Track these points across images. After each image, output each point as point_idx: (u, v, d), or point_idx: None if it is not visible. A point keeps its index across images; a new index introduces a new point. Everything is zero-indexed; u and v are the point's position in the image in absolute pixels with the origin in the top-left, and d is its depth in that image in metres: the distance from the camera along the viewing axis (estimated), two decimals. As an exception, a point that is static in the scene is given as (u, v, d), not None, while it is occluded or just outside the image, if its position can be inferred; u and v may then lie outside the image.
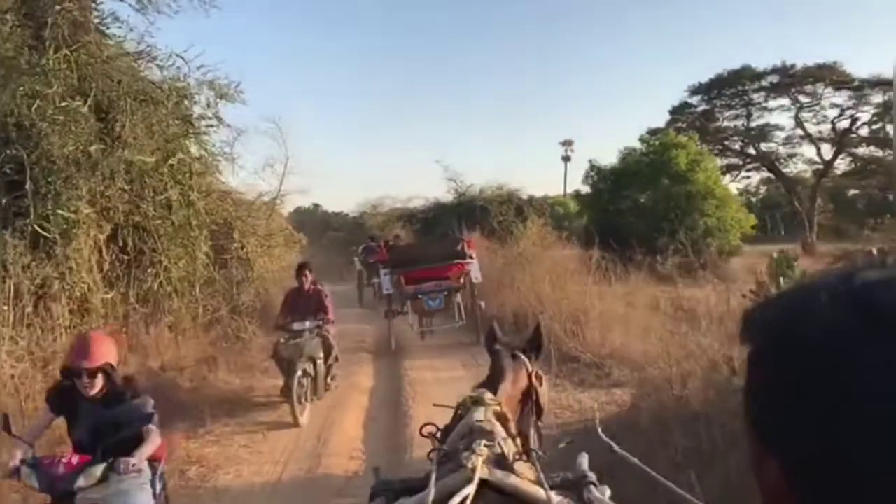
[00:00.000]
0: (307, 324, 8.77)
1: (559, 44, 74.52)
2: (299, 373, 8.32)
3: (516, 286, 14.16)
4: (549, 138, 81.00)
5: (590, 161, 23.41)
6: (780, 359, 0.67)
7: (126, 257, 8.42)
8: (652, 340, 10.55)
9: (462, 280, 12.73)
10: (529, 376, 3.06)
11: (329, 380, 9.31)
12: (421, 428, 2.96)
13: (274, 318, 9.63)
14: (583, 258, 15.67)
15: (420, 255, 13.27)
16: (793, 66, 30.85)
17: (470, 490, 2.12)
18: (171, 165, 8.67)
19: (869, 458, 0.59)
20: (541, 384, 3.13)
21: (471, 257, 12.86)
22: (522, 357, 3.11)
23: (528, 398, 3.02)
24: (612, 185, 22.85)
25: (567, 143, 46.06)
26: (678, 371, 7.18)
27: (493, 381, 2.97)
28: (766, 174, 35.94)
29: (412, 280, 12.45)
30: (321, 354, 8.85)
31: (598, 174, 23.18)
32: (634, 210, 22.19)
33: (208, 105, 9.55)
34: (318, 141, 62.76)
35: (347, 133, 75.42)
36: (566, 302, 12.50)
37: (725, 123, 33.06)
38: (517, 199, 23.71)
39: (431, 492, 2.19)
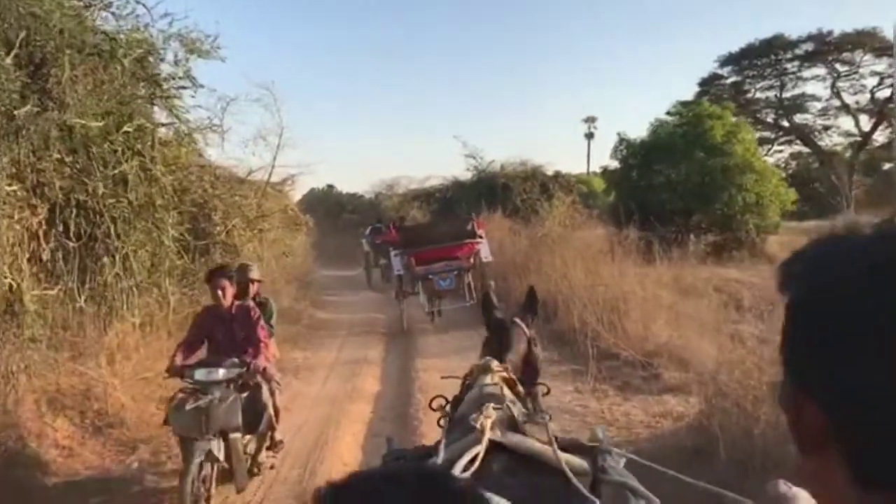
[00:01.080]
0: (221, 372, 5.36)
1: (581, 17, 71.61)
2: (199, 457, 5.08)
3: (544, 271, 12.43)
4: (570, 115, 77.92)
5: (618, 134, 21.48)
6: (819, 296, 0.68)
7: (72, 244, 6.75)
8: (713, 336, 8.82)
9: (472, 260, 12.46)
10: (528, 341, 3.11)
11: (265, 455, 6.00)
12: (430, 400, 2.89)
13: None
14: (616, 239, 13.93)
15: (430, 235, 12.92)
16: (829, 32, 28.60)
17: (479, 449, 2.04)
18: (127, 133, 6.96)
19: None
20: (535, 346, 3.17)
21: (480, 237, 12.63)
22: (520, 323, 3.17)
23: (527, 363, 3.03)
24: (642, 159, 20.95)
25: (590, 120, 43.90)
26: (763, 383, 5.43)
27: (501, 349, 2.97)
28: (796, 148, 33.85)
29: (423, 261, 12.18)
30: (238, 422, 5.36)
31: (627, 148, 21.27)
32: (667, 186, 20.31)
33: (176, 62, 7.84)
34: (333, 121, 60.90)
35: (362, 112, 72.85)
36: (602, 288, 10.76)
37: (758, 95, 30.93)
38: (542, 176, 21.66)
39: (441, 454, 2.12)
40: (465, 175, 23.21)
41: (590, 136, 43.30)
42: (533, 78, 75.18)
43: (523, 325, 3.15)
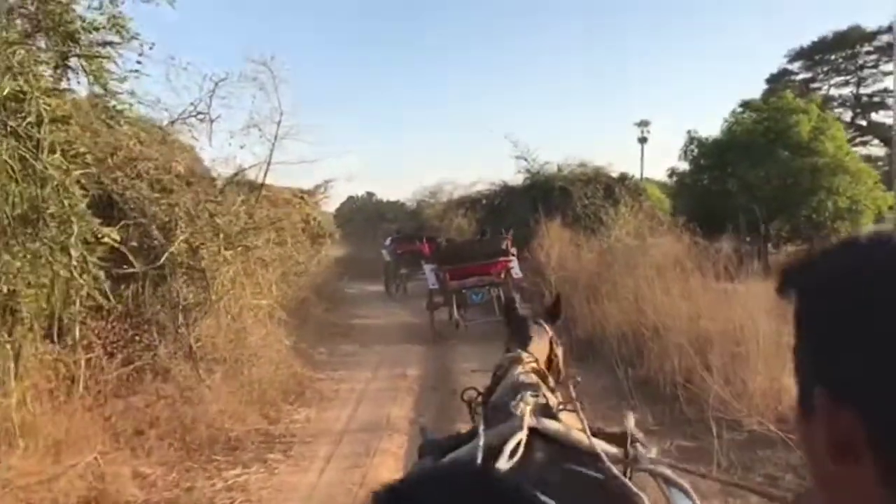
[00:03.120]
0: None
1: (634, 15, 66.37)
2: None
3: (620, 293, 9.42)
4: (622, 119, 72.43)
5: (688, 132, 18.38)
6: (849, 288, 0.58)
7: None
8: None
9: (503, 276, 12.51)
10: (550, 341, 2.88)
11: None
12: (462, 392, 2.66)
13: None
14: (701, 252, 10.84)
15: (466, 253, 13.13)
16: (912, 22, 25.12)
17: (521, 436, 1.87)
18: (-9, 100, 4.22)
19: None
20: (558, 346, 2.90)
21: (513, 254, 12.86)
22: (543, 324, 2.93)
23: (549, 361, 2.81)
24: (716, 160, 17.82)
25: (643, 124, 40.21)
26: None
27: (521, 342, 2.76)
28: (872, 150, 30.24)
29: (457, 276, 12.41)
30: None
31: (699, 148, 18.12)
32: (744, 190, 17.11)
33: (100, 5, 5.07)
34: (373, 125, 57.44)
35: (403, 115, 68.54)
36: (703, 322, 7.72)
37: (832, 92, 27.43)
38: (606, 179, 18.25)
39: (482, 439, 1.90)
40: (517, 179, 19.93)
41: (643, 140, 39.68)
42: (582, 79, 70.60)
43: (546, 326, 2.85)
